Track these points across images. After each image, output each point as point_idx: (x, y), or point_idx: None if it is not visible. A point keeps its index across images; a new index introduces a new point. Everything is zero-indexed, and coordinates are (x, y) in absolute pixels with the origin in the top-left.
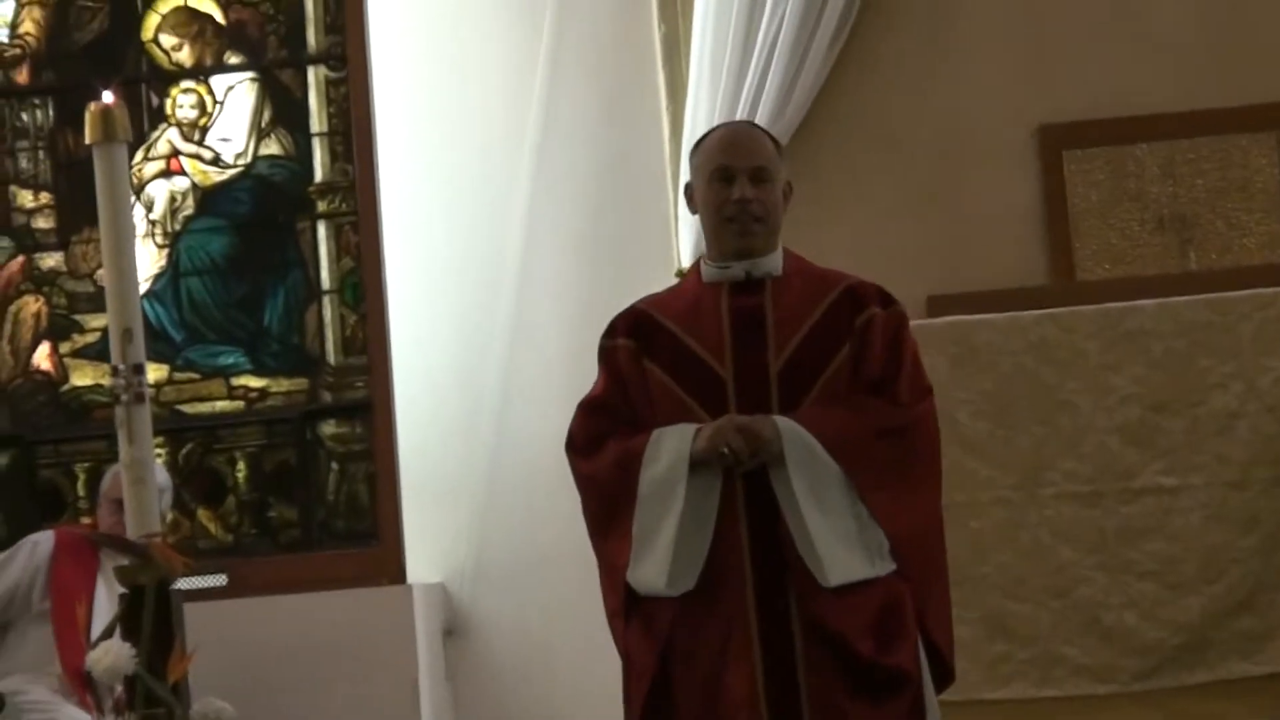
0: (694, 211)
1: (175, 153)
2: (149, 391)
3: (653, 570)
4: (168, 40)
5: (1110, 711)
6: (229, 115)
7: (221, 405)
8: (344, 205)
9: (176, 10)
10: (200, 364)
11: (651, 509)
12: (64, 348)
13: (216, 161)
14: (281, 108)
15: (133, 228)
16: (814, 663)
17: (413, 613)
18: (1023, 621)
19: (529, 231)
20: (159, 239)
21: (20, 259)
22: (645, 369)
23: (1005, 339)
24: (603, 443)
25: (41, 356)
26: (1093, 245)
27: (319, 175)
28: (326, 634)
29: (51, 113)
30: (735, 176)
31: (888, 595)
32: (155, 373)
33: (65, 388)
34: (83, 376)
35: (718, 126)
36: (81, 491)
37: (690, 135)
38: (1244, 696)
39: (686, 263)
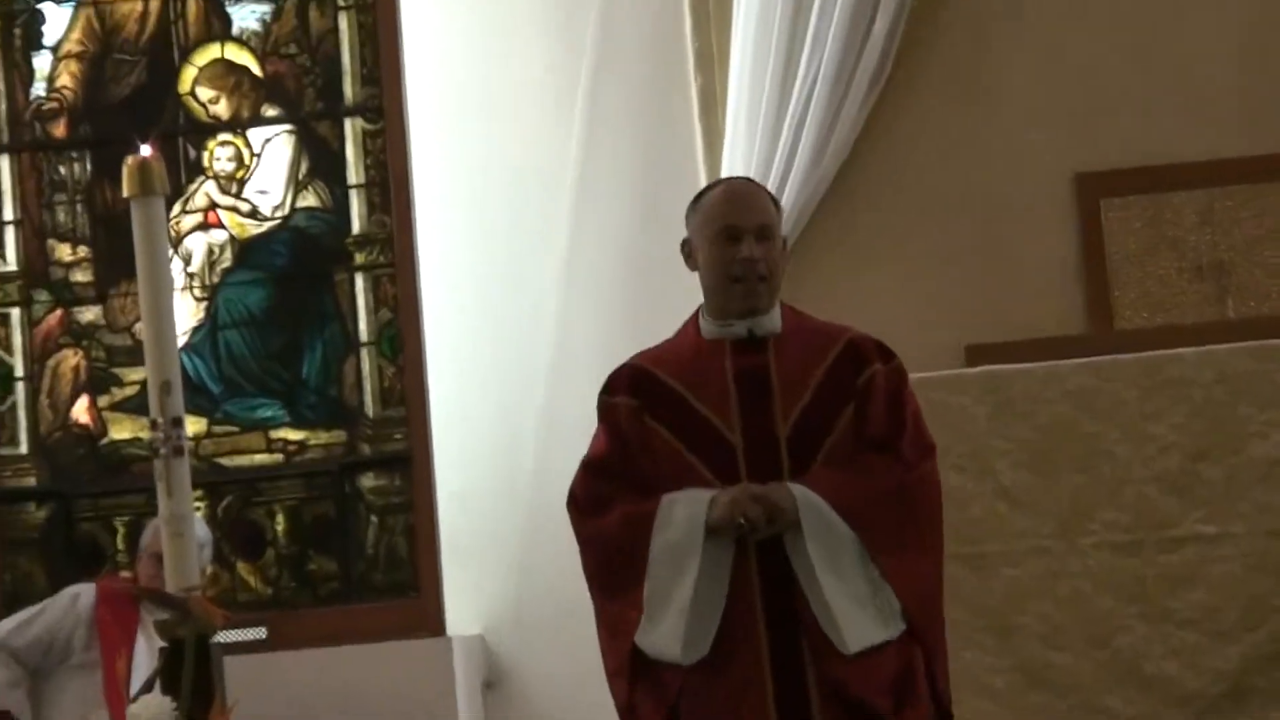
0: (693, 269)
1: (213, 205)
2: (188, 445)
3: (667, 637)
4: (205, 93)
5: None
6: (266, 168)
7: (260, 458)
8: (381, 257)
9: (213, 63)
10: (239, 417)
11: (664, 575)
12: (103, 401)
13: (254, 214)
14: (318, 160)
15: (171, 281)
16: None
17: (452, 665)
18: (1063, 671)
19: (566, 282)
20: (197, 292)
21: (59, 313)
22: (648, 427)
23: (1044, 388)
24: (607, 503)
25: (80, 410)
26: (1131, 294)
27: (356, 227)
28: (366, 686)
29: (89, 166)
30: (742, 236)
31: (901, 657)
32: (194, 426)
33: (104, 441)
34: (121, 430)
35: (717, 183)
36: (121, 545)
37: None
38: None
39: None
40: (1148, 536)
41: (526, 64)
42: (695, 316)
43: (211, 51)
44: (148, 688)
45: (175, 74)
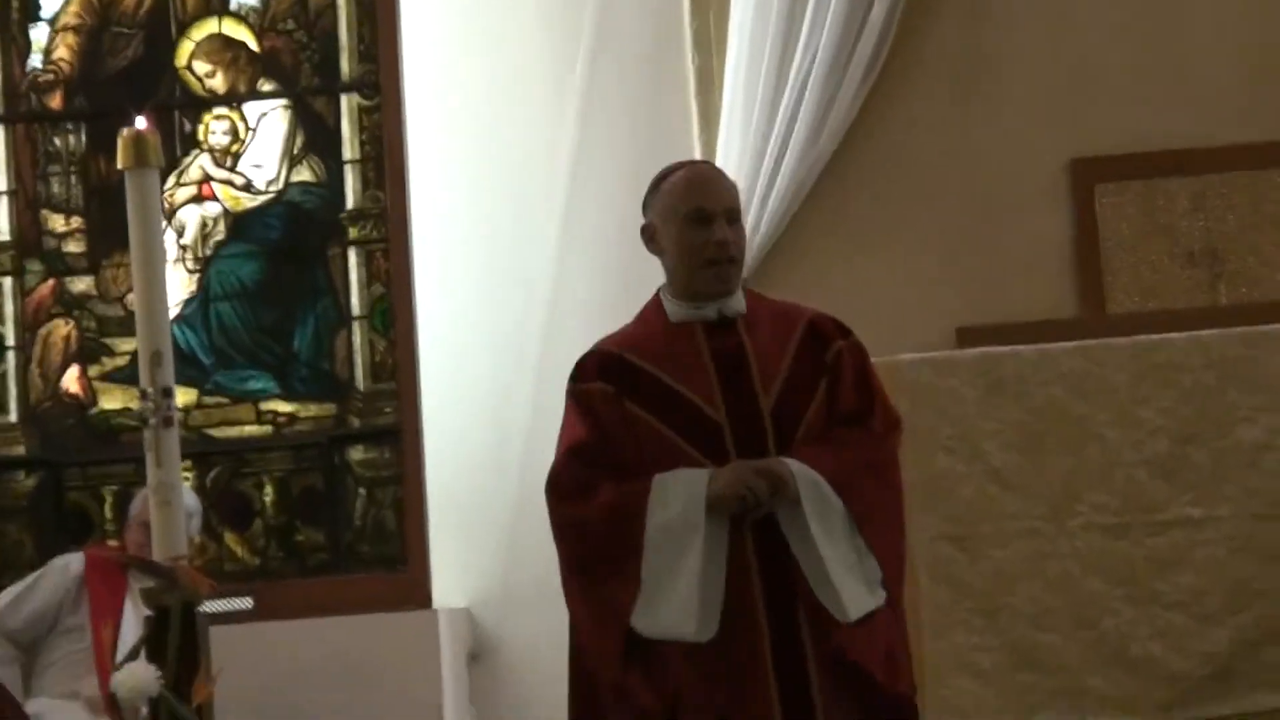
0: (655, 253)
1: (207, 178)
2: (177, 415)
3: (677, 615)
4: (201, 67)
5: None
6: (261, 142)
7: (250, 430)
8: (375, 232)
9: (210, 37)
10: (229, 388)
11: (664, 554)
12: (93, 371)
13: (248, 188)
14: (314, 134)
15: (163, 252)
16: (830, 694)
17: (438, 637)
18: (1050, 652)
19: (560, 258)
20: (189, 264)
21: (51, 283)
22: (628, 412)
23: (1035, 371)
24: (592, 488)
25: (71, 380)
26: (1123, 278)
27: (350, 202)
28: (352, 658)
29: (84, 138)
30: (712, 218)
31: (888, 625)
32: (184, 397)
33: (94, 411)
34: (112, 400)
35: (677, 166)
36: (109, 514)
37: (722, 165)
38: None
39: None
40: (1136, 519)
41: (524, 42)
42: (656, 300)
43: (209, 26)
44: (133, 655)
45: (172, 48)
